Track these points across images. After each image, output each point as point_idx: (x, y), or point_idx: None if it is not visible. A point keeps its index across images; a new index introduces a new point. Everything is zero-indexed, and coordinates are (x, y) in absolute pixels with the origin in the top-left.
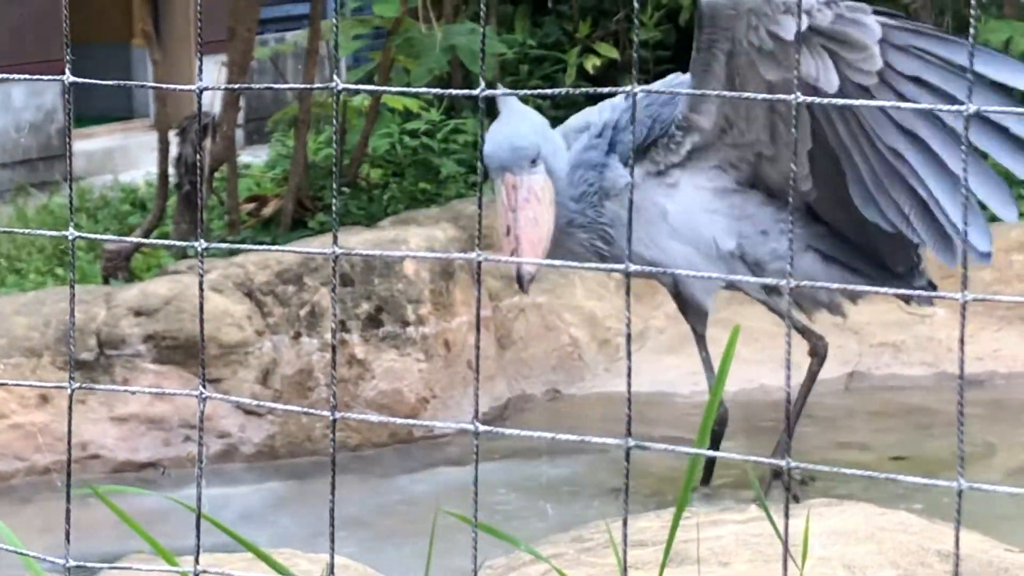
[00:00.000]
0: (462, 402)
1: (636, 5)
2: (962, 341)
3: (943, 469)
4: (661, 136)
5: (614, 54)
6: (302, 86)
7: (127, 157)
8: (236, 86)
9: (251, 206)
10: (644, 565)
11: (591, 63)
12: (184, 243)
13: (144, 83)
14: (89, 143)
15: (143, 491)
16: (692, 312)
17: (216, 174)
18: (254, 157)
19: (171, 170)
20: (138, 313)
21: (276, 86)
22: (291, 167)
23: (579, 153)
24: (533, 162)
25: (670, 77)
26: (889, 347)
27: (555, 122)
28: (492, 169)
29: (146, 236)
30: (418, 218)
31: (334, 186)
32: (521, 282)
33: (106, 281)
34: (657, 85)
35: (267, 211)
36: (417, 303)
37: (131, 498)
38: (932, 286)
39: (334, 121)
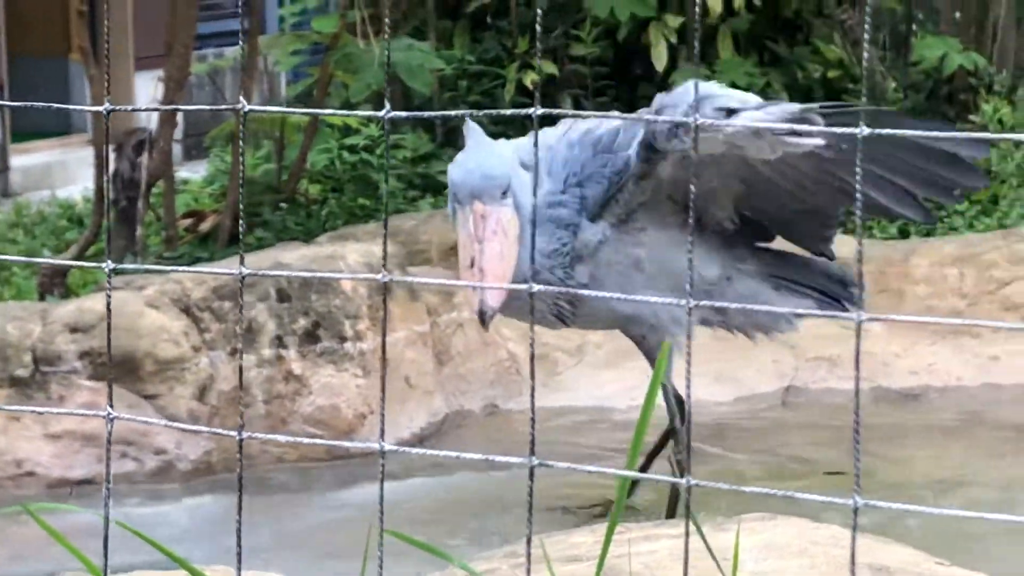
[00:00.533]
0: (400, 418)
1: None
2: (857, 359)
3: (878, 483)
4: (620, 190)
5: (553, 70)
6: (207, 107)
7: (65, 172)
8: (144, 107)
9: (188, 222)
10: None
11: (530, 78)
12: (93, 264)
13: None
14: (27, 158)
15: (75, 508)
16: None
17: (153, 190)
18: (192, 173)
19: (108, 186)
20: (74, 329)
21: (183, 107)
22: (228, 183)
23: (545, 207)
24: (504, 193)
25: (566, 124)
26: (825, 361)
27: (494, 138)
28: (461, 196)
29: (82, 252)
30: (356, 233)
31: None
32: (483, 318)
33: (42, 297)
34: (556, 133)
35: (204, 227)
36: (355, 319)
37: (67, 516)
38: (846, 287)
39: (240, 142)
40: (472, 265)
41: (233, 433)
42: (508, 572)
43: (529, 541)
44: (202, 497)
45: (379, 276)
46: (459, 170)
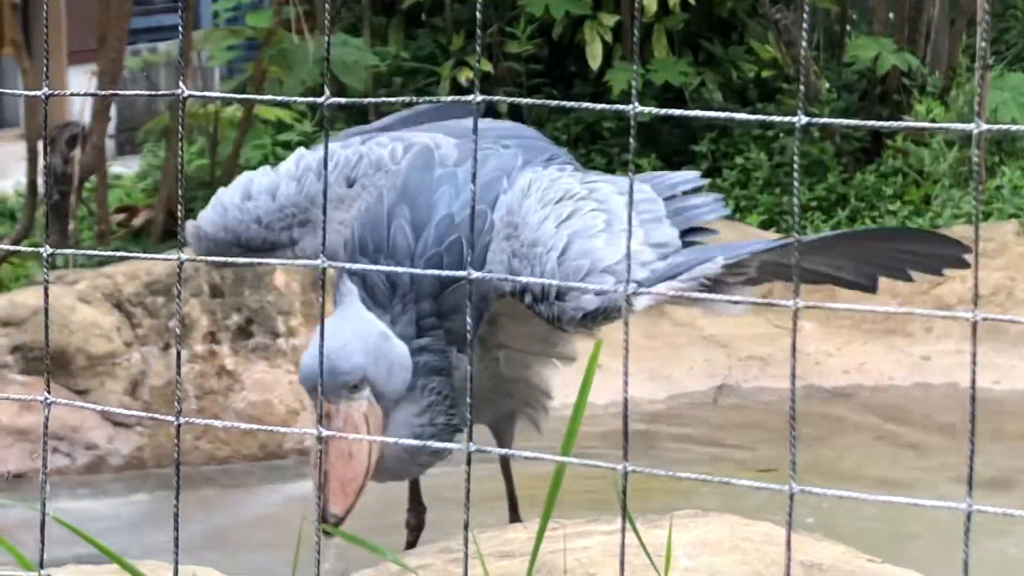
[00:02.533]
0: None
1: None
2: (793, 348)
3: (807, 480)
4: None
5: (487, 67)
6: (146, 93)
7: None
8: (83, 92)
9: (121, 217)
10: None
11: (465, 76)
12: (30, 248)
13: None
14: None
15: (8, 502)
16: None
17: (86, 184)
18: (125, 168)
19: (40, 180)
20: (5, 324)
21: (122, 92)
22: (162, 178)
23: (415, 355)
24: (355, 387)
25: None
26: (757, 360)
27: None
28: (305, 387)
29: (15, 245)
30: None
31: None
32: (325, 521)
33: None
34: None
35: (137, 222)
36: (287, 315)
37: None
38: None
39: (180, 127)
40: (317, 466)
41: (170, 419)
42: (441, 567)
43: (467, 527)
44: (134, 493)
45: (318, 262)
46: (307, 356)
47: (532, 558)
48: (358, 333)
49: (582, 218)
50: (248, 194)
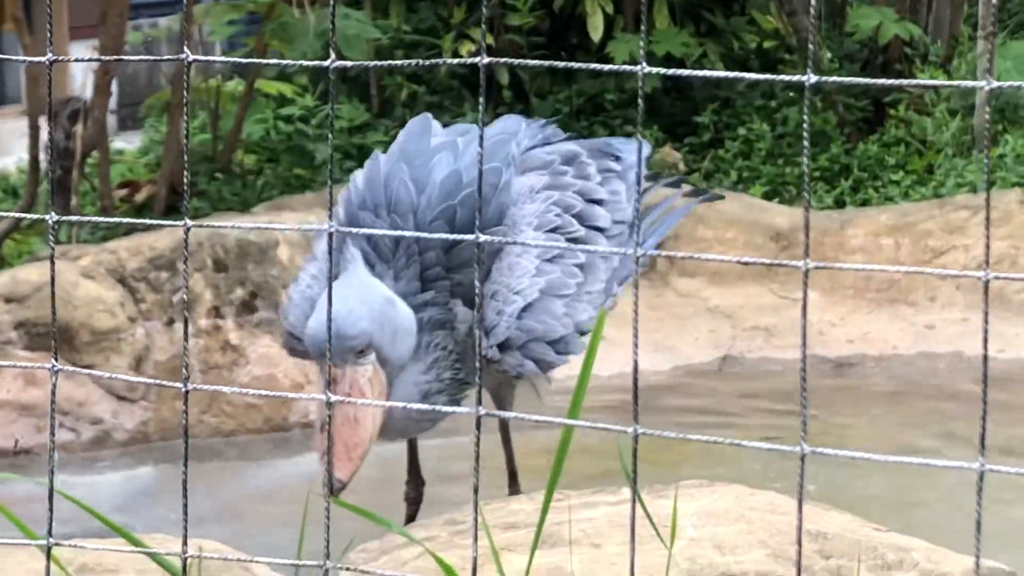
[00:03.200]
0: None
1: None
2: (804, 309)
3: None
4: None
5: (489, 39)
6: (150, 58)
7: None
8: (87, 58)
9: (124, 192)
10: (516, 547)
11: (466, 49)
12: (36, 215)
13: None
14: None
15: (14, 476)
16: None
17: (88, 160)
18: (127, 143)
19: (42, 155)
20: (8, 300)
21: (126, 58)
22: (164, 152)
23: (419, 310)
24: (361, 352)
25: None
26: (761, 331)
27: (430, 108)
28: (311, 352)
29: (18, 221)
30: (292, 203)
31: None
32: (331, 488)
33: None
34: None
35: (140, 197)
36: None
37: (4, 485)
38: None
39: (184, 94)
40: (322, 430)
41: (178, 385)
42: (447, 539)
43: (476, 491)
44: (138, 467)
45: (325, 226)
46: (313, 320)
47: (538, 528)
48: (363, 299)
49: (561, 268)
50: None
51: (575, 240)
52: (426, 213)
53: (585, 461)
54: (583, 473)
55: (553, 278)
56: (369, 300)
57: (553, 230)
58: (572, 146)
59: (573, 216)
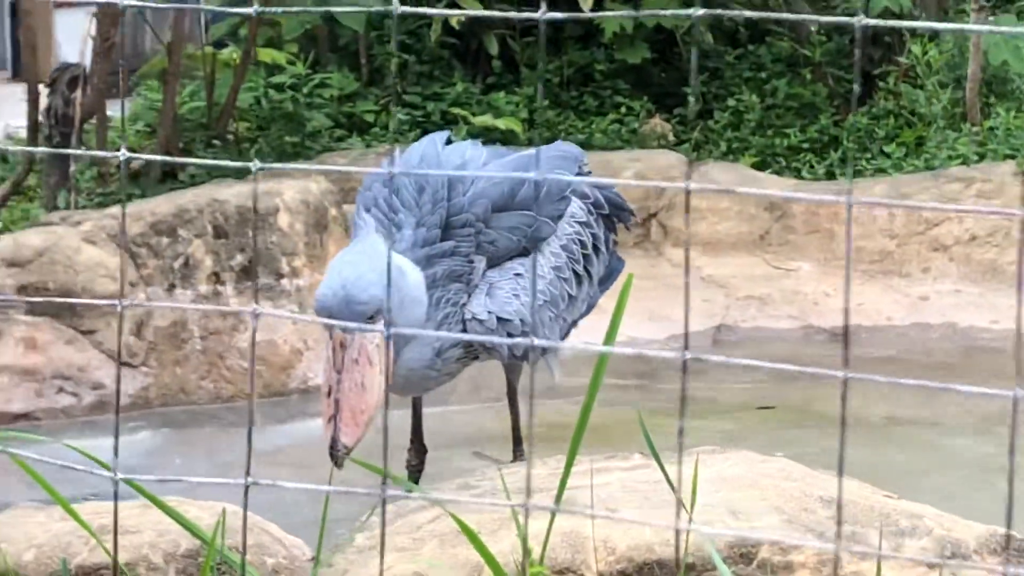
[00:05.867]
0: None
1: None
2: (848, 234)
3: (807, 417)
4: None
5: (479, 10)
6: (172, 5)
7: None
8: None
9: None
10: (534, 512)
11: (456, 19)
12: (105, 154)
13: None
14: None
15: (36, 437)
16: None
17: (85, 127)
18: (113, 111)
19: (41, 119)
20: (11, 264)
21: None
22: (160, 120)
23: (434, 262)
24: (370, 318)
25: None
26: (755, 300)
27: (420, 77)
28: (320, 316)
29: (15, 188)
30: (290, 171)
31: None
32: (335, 455)
33: None
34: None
35: (136, 163)
36: (291, 255)
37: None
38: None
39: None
40: (329, 394)
41: (247, 309)
42: (463, 503)
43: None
44: (139, 431)
45: (385, 170)
46: (324, 286)
47: (560, 487)
48: (374, 265)
49: (559, 290)
50: None
51: (574, 273)
52: (483, 182)
53: (591, 437)
54: (591, 448)
55: (555, 292)
56: (380, 267)
57: (569, 255)
58: (597, 193)
59: (582, 255)
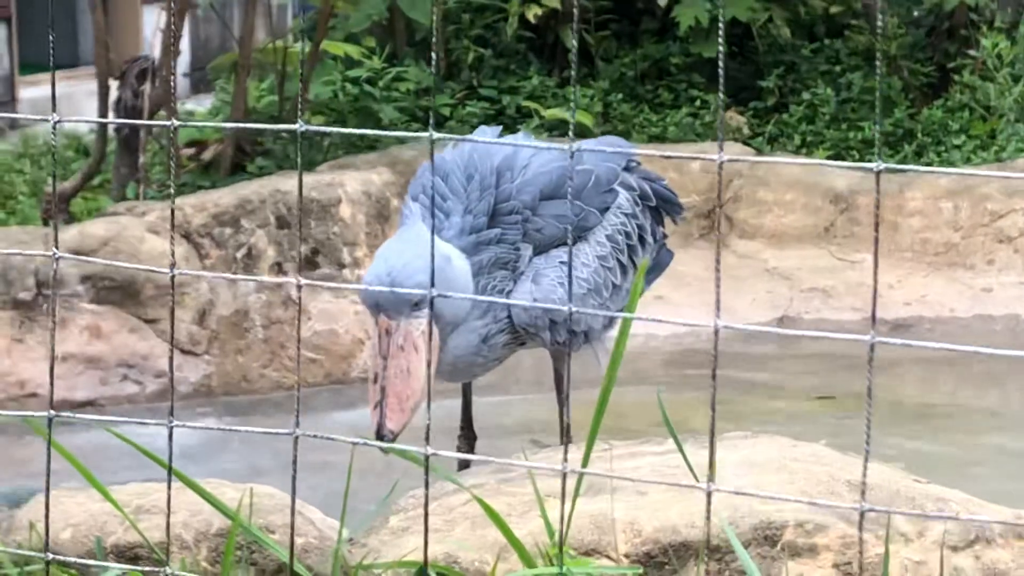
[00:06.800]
0: None
1: None
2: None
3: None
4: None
5: (555, 4)
6: None
7: (71, 105)
8: None
9: (191, 151)
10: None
11: (532, 12)
12: (160, 123)
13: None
14: (34, 90)
15: (95, 419)
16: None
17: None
18: (199, 105)
19: (111, 114)
20: (76, 253)
21: None
22: (231, 112)
23: (481, 249)
24: (416, 305)
25: None
26: (819, 292)
27: (496, 71)
28: (367, 306)
29: (87, 179)
30: (355, 163)
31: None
32: (381, 438)
33: (46, 223)
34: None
35: (207, 155)
36: (353, 245)
37: (66, 436)
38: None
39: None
40: (376, 381)
41: (292, 279)
42: (494, 487)
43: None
44: (201, 419)
45: (425, 135)
46: (370, 273)
47: (579, 478)
48: (420, 253)
49: (603, 278)
50: None
51: (619, 263)
52: (531, 171)
53: (632, 418)
54: (631, 429)
55: (599, 281)
56: (425, 254)
57: (614, 245)
58: (645, 185)
59: (627, 246)
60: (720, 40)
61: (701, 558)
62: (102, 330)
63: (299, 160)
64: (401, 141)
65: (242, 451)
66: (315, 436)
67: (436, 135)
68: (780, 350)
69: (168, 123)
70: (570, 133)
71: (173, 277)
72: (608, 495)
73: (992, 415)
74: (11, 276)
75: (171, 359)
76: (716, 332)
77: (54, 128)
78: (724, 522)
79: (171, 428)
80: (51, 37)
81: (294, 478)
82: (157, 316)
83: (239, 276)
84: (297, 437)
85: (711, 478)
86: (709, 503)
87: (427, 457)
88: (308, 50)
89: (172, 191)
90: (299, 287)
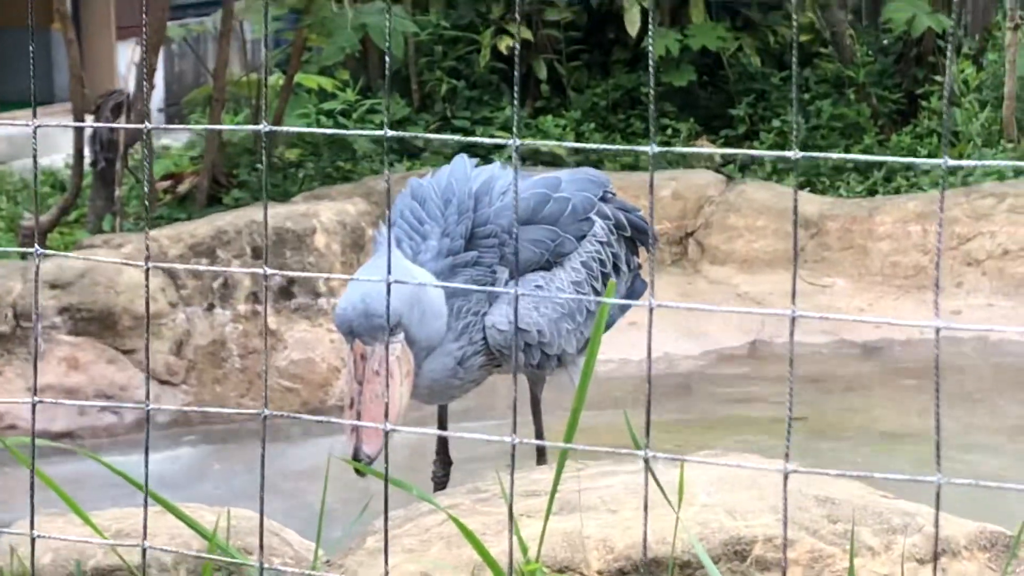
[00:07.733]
0: None
1: None
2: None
3: (839, 429)
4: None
5: (527, 35)
6: None
7: (47, 141)
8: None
9: (167, 183)
10: (536, 513)
11: (504, 44)
12: (23, 250)
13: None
14: (9, 129)
15: (81, 450)
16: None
17: (133, 154)
18: (174, 140)
19: (86, 149)
20: (54, 286)
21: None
22: (206, 145)
23: (458, 272)
24: (391, 331)
25: None
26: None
27: (469, 102)
28: (342, 332)
29: (63, 213)
30: (330, 193)
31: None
32: (358, 461)
33: (23, 258)
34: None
35: (182, 188)
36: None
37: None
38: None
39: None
40: (351, 406)
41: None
42: (470, 507)
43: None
44: (179, 448)
45: (380, 132)
46: (344, 300)
47: (552, 490)
48: (396, 276)
49: (577, 304)
50: None
51: (593, 290)
52: (509, 196)
53: (606, 440)
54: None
55: (573, 306)
56: (398, 278)
57: (589, 271)
58: (620, 215)
59: (602, 273)
60: (651, 72)
61: (671, 574)
62: (79, 361)
63: (267, 159)
64: (375, 172)
65: (216, 478)
66: (283, 416)
67: (389, 132)
68: (752, 373)
69: (142, 126)
70: (514, 163)
71: (147, 308)
72: (580, 513)
73: (963, 435)
74: None
75: (147, 344)
76: (650, 312)
77: (34, 133)
78: (694, 538)
79: (148, 411)
80: (31, 69)
81: (262, 459)
82: (135, 347)
83: (213, 268)
84: (265, 417)
85: (674, 506)
86: (677, 524)
87: (387, 478)
88: (282, 82)
89: (146, 206)
90: (265, 276)
